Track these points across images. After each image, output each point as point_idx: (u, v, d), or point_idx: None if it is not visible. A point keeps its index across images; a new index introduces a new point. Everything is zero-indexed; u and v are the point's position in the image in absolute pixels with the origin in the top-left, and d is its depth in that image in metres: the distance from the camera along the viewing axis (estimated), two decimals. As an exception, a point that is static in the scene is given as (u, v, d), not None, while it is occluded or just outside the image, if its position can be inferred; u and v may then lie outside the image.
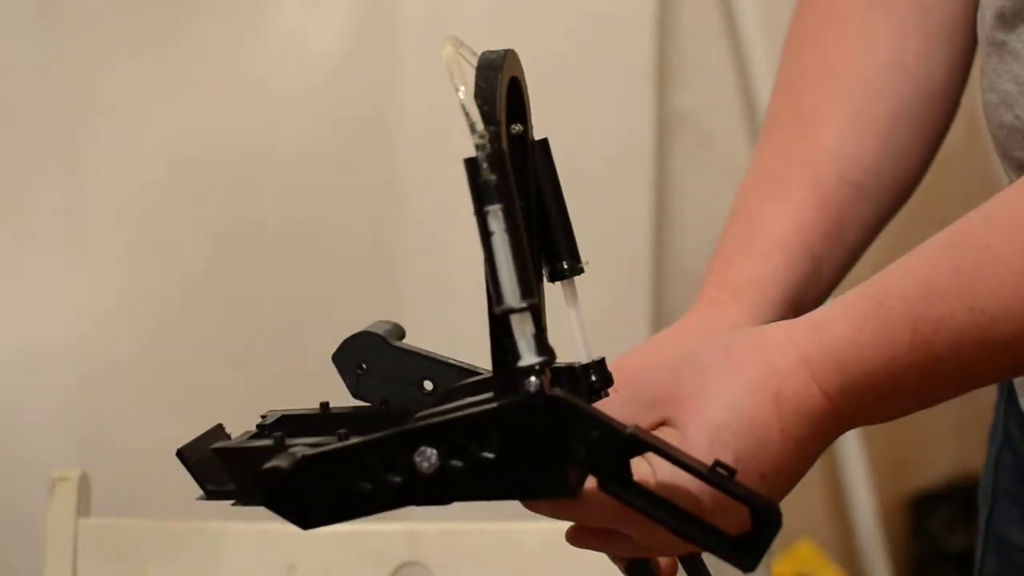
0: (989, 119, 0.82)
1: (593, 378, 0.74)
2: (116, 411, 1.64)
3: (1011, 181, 0.83)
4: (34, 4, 1.57)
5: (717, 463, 0.64)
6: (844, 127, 0.89)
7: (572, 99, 1.75)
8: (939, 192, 2.03)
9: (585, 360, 0.74)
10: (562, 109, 1.73)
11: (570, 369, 0.73)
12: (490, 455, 0.64)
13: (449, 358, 0.76)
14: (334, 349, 0.78)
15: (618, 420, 0.67)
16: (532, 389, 0.64)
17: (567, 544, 0.73)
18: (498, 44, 0.73)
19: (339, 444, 0.66)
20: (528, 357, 0.64)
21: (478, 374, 0.75)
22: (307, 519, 0.67)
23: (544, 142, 0.76)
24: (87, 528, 1.11)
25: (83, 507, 1.11)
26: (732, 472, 0.64)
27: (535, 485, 0.66)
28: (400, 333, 0.78)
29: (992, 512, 0.96)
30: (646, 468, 0.66)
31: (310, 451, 0.66)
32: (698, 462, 0.65)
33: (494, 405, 0.65)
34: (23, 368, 1.61)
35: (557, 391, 0.65)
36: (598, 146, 1.77)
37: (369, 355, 0.76)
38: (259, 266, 1.68)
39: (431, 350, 0.77)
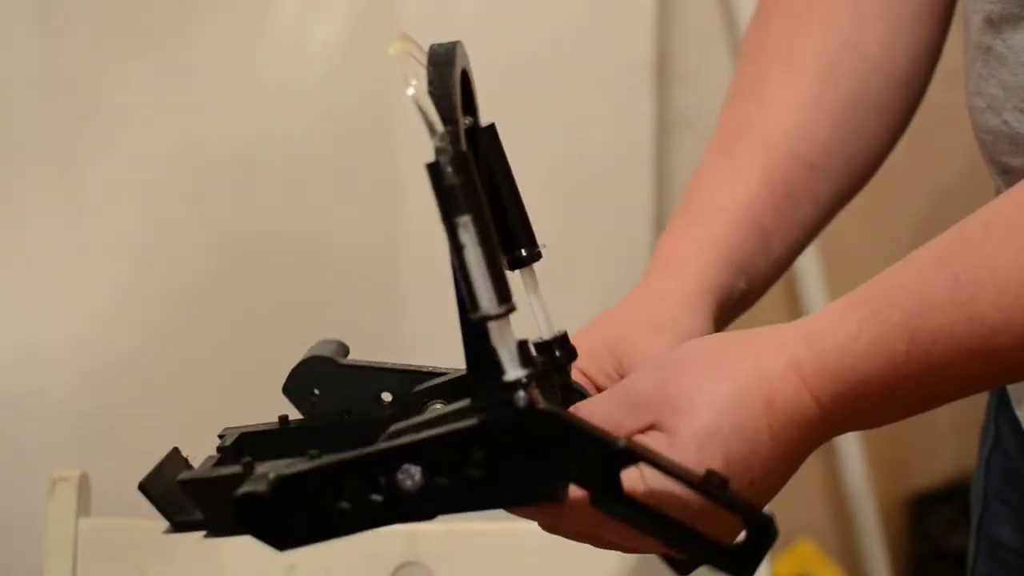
0: (975, 123, 0.82)
1: (557, 353, 0.74)
2: (116, 411, 1.63)
3: (997, 185, 0.83)
4: (34, 4, 1.57)
5: (711, 472, 0.64)
6: (800, 106, 0.88)
7: (572, 99, 1.75)
8: (941, 194, 2.03)
9: (547, 336, 0.74)
10: (562, 109, 1.73)
11: (537, 344, 0.72)
12: (476, 471, 0.63)
13: (401, 365, 0.74)
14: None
15: (607, 430, 0.66)
16: (521, 404, 0.63)
17: (568, 545, 0.73)
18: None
19: (317, 463, 0.64)
20: (513, 370, 0.63)
21: (438, 374, 0.73)
22: (284, 541, 0.65)
23: (491, 128, 0.73)
24: (87, 528, 1.11)
25: (83, 507, 1.11)
26: (726, 481, 0.64)
27: (521, 494, 0.65)
28: (346, 351, 0.76)
29: (984, 513, 0.96)
30: (635, 474, 0.66)
31: (286, 472, 0.64)
32: (691, 472, 0.64)
33: (479, 420, 0.63)
34: (23, 367, 1.61)
35: (547, 405, 0.63)
36: (598, 146, 1.77)
37: (321, 379, 0.74)
38: (259, 265, 1.68)
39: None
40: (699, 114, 1.89)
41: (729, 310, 0.86)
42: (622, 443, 0.63)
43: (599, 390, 0.78)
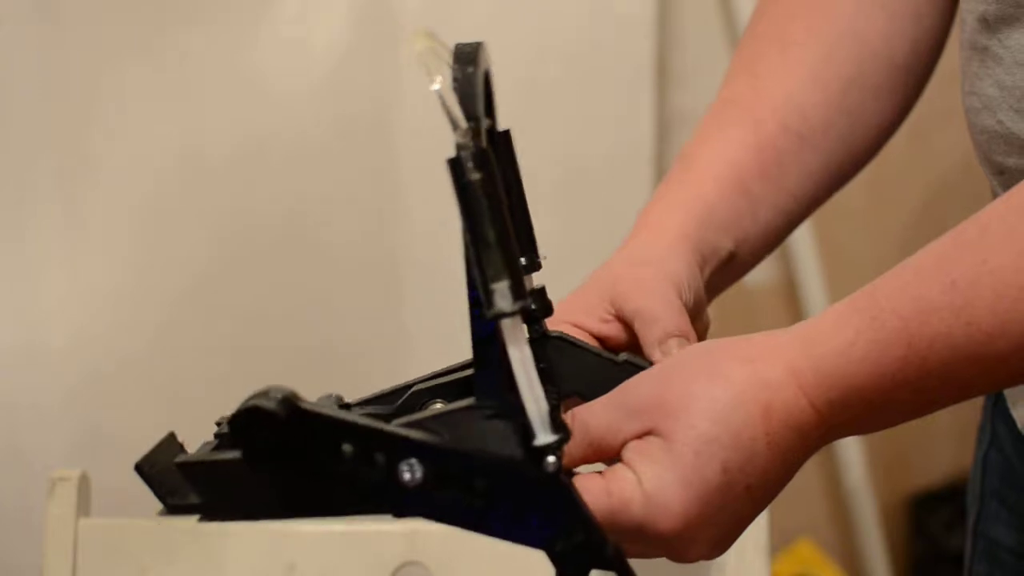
0: (971, 124, 0.82)
1: (534, 306, 0.74)
2: (117, 410, 1.64)
3: (992, 185, 0.83)
4: (34, 4, 1.57)
5: None
6: (794, 82, 0.88)
7: (572, 99, 1.75)
8: (940, 194, 2.03)
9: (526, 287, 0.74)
10: (562, 109, 1.73)
11: None
12: (476, 498, 0.64)
13: (392, 387, 0.74)
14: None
15: (606, 438, 0.67)
16: (550, 470, 0.63)
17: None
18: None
19: (331, 412, 0.64)
20: (544, 435, 0.63)
21: (432, 377, 0.73)
22: (275, 479, 0.64)
23: (507, 134, 0.74)
24: (87, 528, 1.11)
25: (83, 507, 1.11)
26: None
27: (506, 535, 0.65)
28: (340, 400, 0.75)
29: (980, 514, 0.96)
30: (632, 479, 0.67)
31: (298, 401, 0.63)
32: None
33: (503, 460, 0.64)
34: (24, 366, 1.61)
35: (568, 480, 0.64)
36: (598, 146, 1.77)
37: None
38: (260, 264, 1.68)
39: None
40: (699, 114, 1.88)
41: (718, 270, 0.85)
42: (610, 550, 0.64)
43: (600, 340, 0.79)
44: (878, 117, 0.90)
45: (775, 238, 0.88)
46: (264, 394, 0.63)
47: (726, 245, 0.85)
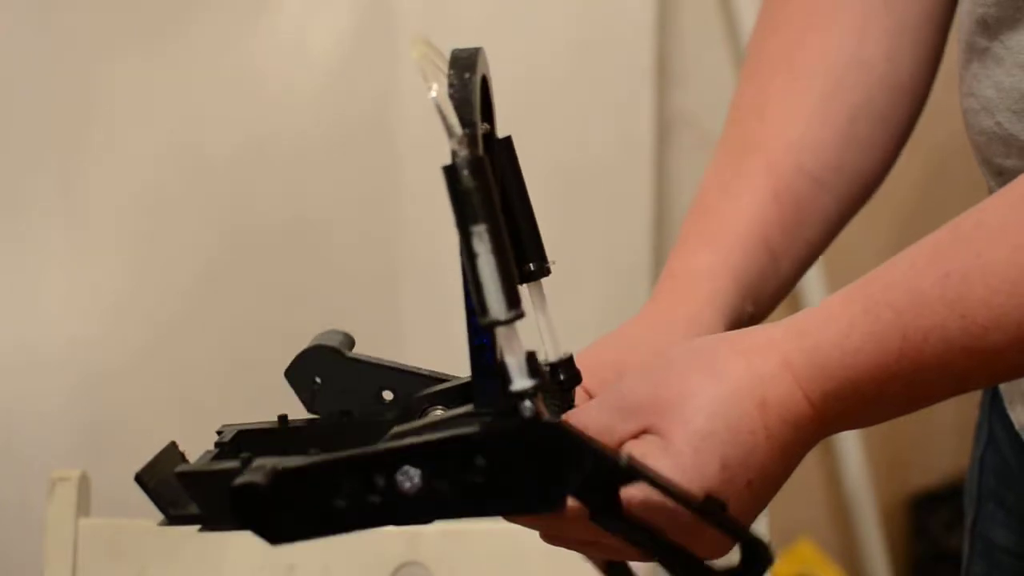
0: (969, 125, 0.82)
1: (562, 377, 0.73)
2: (117, 410, 1.63)
3: (991, 186, 0.82)
4: (34, 4, 1.57)
5: (710, 496, 0.64)
6: (805, 120, 0.88)
7: (572, 99, 1.75)
8: (940, 191, 2.03)
9: (553, 359, 0.73)
10: (562, 109, 1.73)
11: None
12: (477, 478, 0.63)
13: (406, 366, 0.74)
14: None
15: (601, 437, 0.66)
16: (527, 414, 0.62)
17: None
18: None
19: (317, 458, 0.64)
20: (520, 380, 0.62)
21: (440, 380, 0.73)
22: (278, 535, 0.64)
23: (508, 141, 0.73)
24: (87, 528, 1.11)
25: (83, 507, 1.11)
26: (724, 506, 0.64)
27: (520, 503, 0.64)
28: (351, 343, 0.75)
29: (978, 514, 0.96)
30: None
31: (285, 464, 0.63)
32: (692, 495, 0.64)
33: (483, 426, 0.63)
34: (24, 367, 1.61)
35: (552, 417, 0.63)
36: (598, 146, 1.77)
37: (324, 369, 0.74)
38: (260, 265, 1.68)
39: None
40: (699, 114, 1.89)
41: None
42: (625, 460, 0.63)
43: None
44: (884, 146, 0.90)
45: (790, 289, 0.88)
46: (248, 471, 0.64)
47: (748, 309, 0.85)
